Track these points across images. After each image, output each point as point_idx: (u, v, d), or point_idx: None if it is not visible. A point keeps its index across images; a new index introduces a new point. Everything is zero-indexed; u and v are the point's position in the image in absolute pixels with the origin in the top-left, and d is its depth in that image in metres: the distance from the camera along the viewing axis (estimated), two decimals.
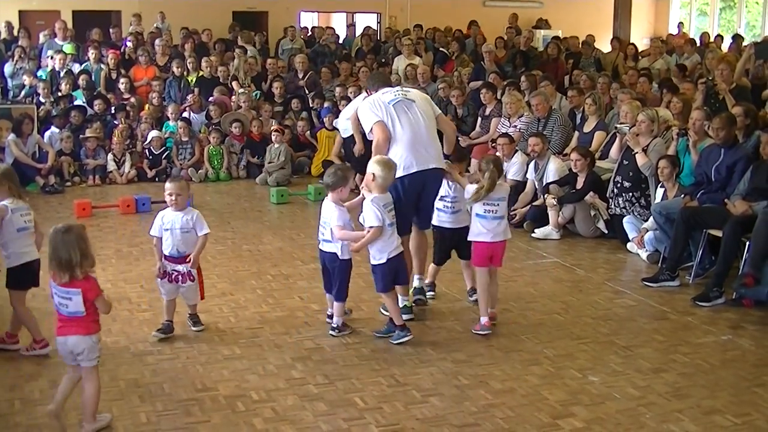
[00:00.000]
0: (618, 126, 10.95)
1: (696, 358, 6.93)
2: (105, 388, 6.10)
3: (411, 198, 7.44)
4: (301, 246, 10.04)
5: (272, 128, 14.60)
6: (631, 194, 10.18)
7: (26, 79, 15.86)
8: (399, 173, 7.26)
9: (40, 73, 16.41)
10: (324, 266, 7.34)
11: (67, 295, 5.40)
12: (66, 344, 5.50)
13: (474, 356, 6.88)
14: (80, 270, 5.37)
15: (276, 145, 14.37)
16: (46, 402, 5.86)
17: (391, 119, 7.44)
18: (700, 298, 8.28)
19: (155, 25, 19.80)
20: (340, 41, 21.24)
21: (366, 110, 7.61)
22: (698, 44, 19.16)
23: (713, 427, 5.77)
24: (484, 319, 7.41)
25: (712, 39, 20.99)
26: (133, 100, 15.84)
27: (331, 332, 7.30)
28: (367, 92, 8.09)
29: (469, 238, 7.57)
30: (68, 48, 17.46)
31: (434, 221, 7.99)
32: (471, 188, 7.48)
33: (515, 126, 12.86)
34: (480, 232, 7.45)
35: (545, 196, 10.88)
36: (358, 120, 7.87)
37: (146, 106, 15.69)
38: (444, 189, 7.84)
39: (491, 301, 7.55)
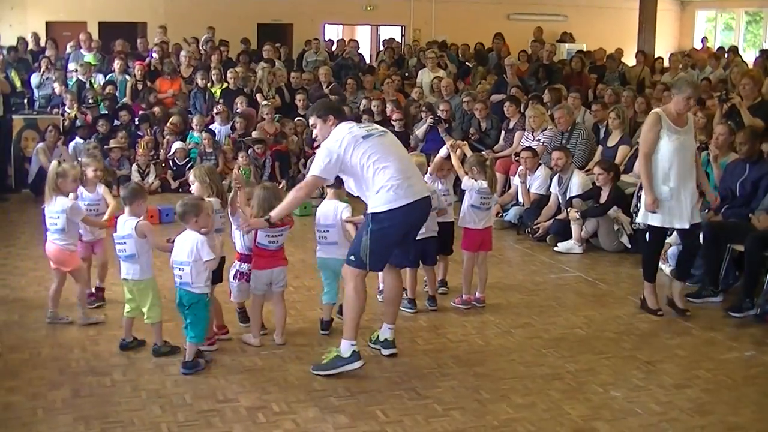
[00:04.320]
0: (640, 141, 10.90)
1: (719, 374, 6.89)
2: (126, 398, 6.17)
3: (402, 231, 6.77)
4: None
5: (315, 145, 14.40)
6: None
7: (57, 87, 15.98)
8: (394, 204, 6.54)
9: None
10: None
11: (280, 233, 7.18)
12: (271, 275, 7.23)
13: (495, 370, 6.87)
14: None
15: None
16: (68, 411, 5.93)
17: (370, 152, 6.61)
18: (732, 309, 8.29)
19: (155, 39, 19.73)
20: (366, 57, 21.32)
21: (324, 153, 6.71)
22: (725, 58, 19.05)
23: None
24: (465, 296, 8.50)
25: (737, 52, 20.81)
26: (157, 110, 15.93)
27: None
28: (322, 120, 6.94)
29: (462, 224, 8.51)
30: (90, 58, 17.58)
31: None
32: (469, 182, 8.38)
33: (539, 140, 12.85)
34: (473, 220, 8.42)
35: (568, 209, 10.86)
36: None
37: (170, 119, 15.72)
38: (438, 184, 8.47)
39: (480, 285, 8.51)
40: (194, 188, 7.26)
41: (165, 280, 7.53)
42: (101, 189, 8.33)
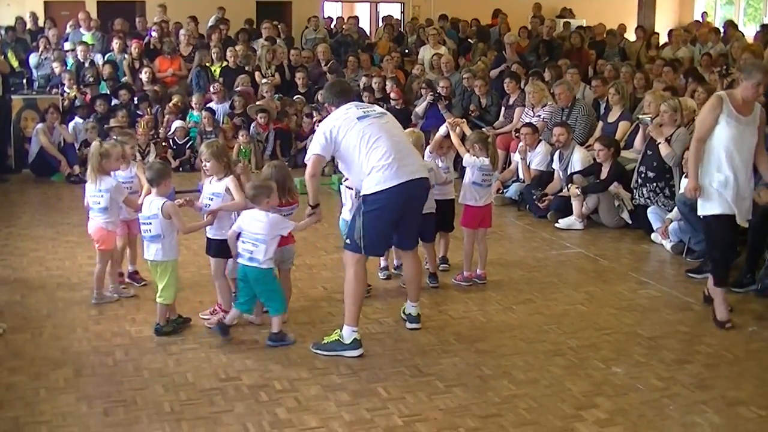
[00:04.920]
0: (640, 116, 10.90)
1: (720, 349, 6.90)
2: (129, 377, 6.20)
3: (396, 212, 6.71)
4: (325, 236, 10.03)
5: (316, 119, 14.49)
6: (655, 184, 10.12)
7: (56, 67, 15.89)
8: (385, 185, 6.54)
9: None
10: None
11: (291, 211, 7.21)
12: (282, 252, 7.13)
13: (497, 346, 6.88)
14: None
15: None
16: (71, 391, 5.95)
17: (363, 133, 6.62)
18: (733, 284, 8.23)
19: (155, 18, 19.64)
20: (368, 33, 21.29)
21: (320, 134, 6.79)
22: (722, 33, 18.96)
23: (737, 418, 5.75)
24: (466, 273, 8.48)
25: (735, 27, 20.71)
26: (156, 88, 15.89)
27: None
28: (326, 109, 7.26)
29: (462, 201, 8.46)
30: (88, 38, 17.52)
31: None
32: (470, 159, 8.30)
33: (539, 116, 12.82)
34: (473, 198, 8.39)
35: (569, 186, 10.84)
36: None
37: (172, 98, 15.67)
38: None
39: (481, 261, 8.52)
40: (209, 165, 7.19)
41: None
42: (135, 167, 8.27)
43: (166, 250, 6.98)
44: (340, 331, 6.73)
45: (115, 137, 8.71)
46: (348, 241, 6.76)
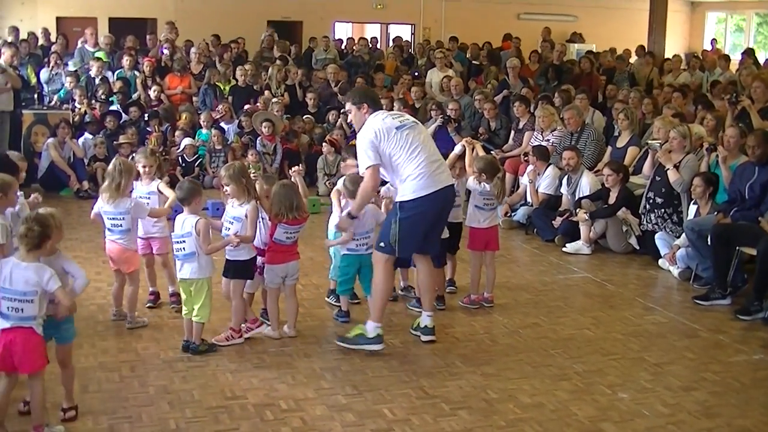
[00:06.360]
0: (649, 142, 10.91)
1: (727, 376, 6.89)
2: (134, 394, 6.20)
3: (430, 218, 7.09)
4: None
5: (327, 138, 14.58)
6: (663, 210, 10.13)
7: (69, 81, 15.84)
8: (421, 192, 6.92)
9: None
10: None
11: (297, 229, 7.32)
12: (287, 268, 7.34)
13: (503, 370, 6.87)
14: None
15: (331, 158, 14.34)
16: None
17: (403, 142, 6.95)
18: (740, 312, 8.30)
19: (162, 35, 19.70)
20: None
21: (366, 145, 7.02)
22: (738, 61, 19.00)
23: None
24: (473, 296, 8.47)
25: (751, 55, 20.78)
26: (165, 104, 15.92)
27: None
28: (357, 107, 7.27)
29: (467, 224, 8.44)
30: (102, 55, 17.56)
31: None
32: (473, 183, 8.33)
33: (548, 140, 12.83)
34: (477, 220, 8.38)
35: (577, 210, 10.84)
36: None
37: (183, 116, 15.69)
38: None
39: (488, 285, 8.52)
40: (229, 189, 7.16)
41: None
42: (156, 183, 8.10)
43: (202, 267, 6.94)
44: (363, 325, 7.13)
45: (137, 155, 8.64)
46: (382, 244, 7.09)
